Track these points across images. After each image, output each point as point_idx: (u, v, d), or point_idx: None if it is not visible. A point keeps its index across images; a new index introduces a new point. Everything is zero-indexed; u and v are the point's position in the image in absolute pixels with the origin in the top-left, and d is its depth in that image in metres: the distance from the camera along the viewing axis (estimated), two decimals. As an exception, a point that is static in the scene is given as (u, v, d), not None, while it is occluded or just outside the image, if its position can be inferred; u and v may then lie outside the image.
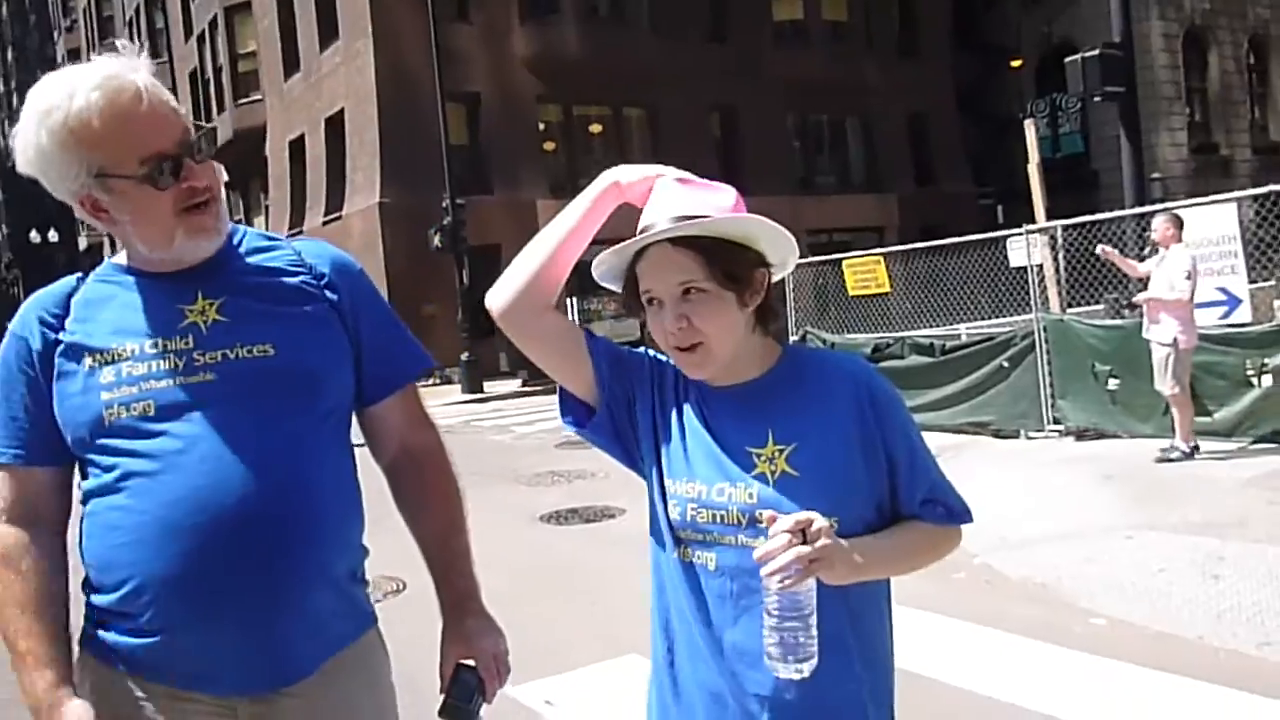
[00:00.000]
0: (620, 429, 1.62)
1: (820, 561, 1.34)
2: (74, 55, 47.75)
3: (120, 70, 1.51)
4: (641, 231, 1.51)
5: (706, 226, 1.47)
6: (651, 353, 1.65)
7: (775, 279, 1.58)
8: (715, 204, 1.50)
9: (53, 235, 40.03)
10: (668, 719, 1.59)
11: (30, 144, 1.52)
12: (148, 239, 1.60)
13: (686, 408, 1.58)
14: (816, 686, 1.42)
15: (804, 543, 1.34)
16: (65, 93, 1.48)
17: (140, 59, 1.55)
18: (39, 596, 1.59)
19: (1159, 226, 7.59)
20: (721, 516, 1.49)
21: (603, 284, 1.61)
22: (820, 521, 1.35)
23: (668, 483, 1.55)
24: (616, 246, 1.52)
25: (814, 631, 1.36)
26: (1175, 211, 7.89)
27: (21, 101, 1.53)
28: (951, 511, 1.56)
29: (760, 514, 1.41)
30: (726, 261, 1.49)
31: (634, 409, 1.61)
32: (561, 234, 1.58)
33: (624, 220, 1.64)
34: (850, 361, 1.61)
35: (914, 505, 1.53)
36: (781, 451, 1.49)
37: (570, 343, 1.62)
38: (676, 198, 1.51)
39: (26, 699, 1.56)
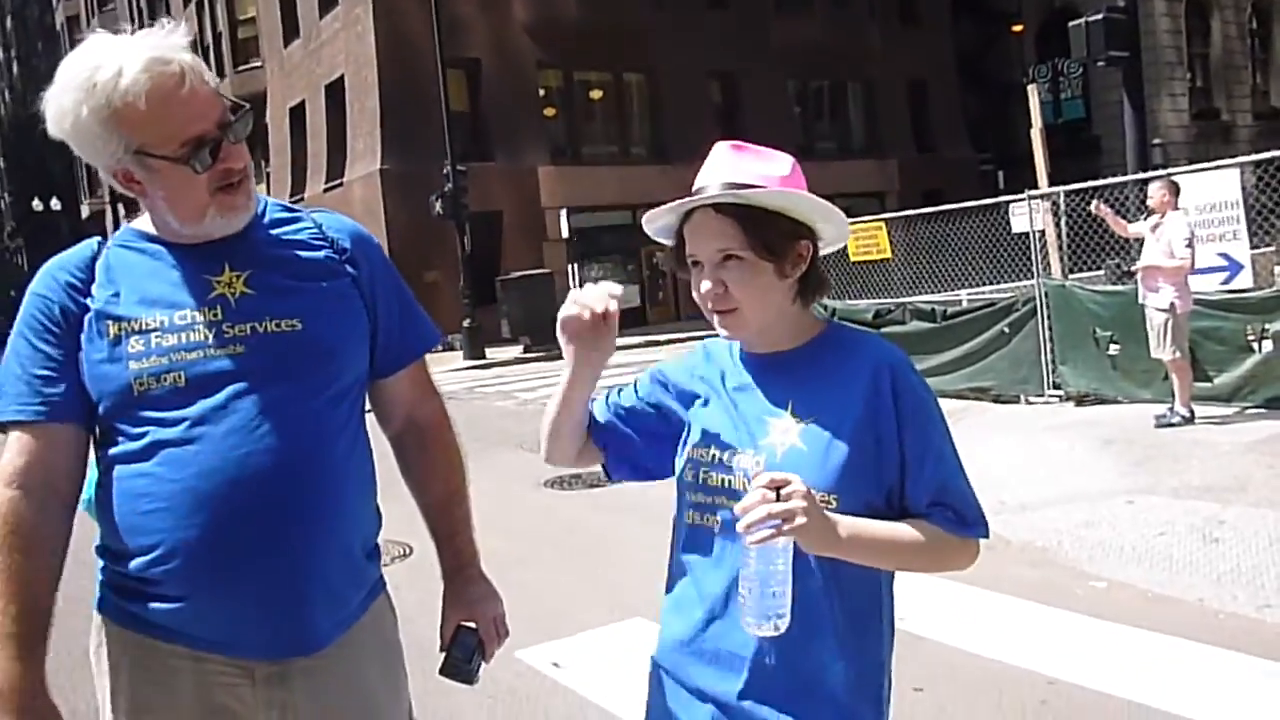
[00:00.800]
0: (641, 461, 1.72)
1: (793, 524, 1.34)
2: (73, 23, 47.34)
3: (166, 51, 1.51)
4: (695, 192, 1.53)
5: (750, 198, 1.49)
6: (667, 366, 1.72)
7: (824, 252, 1.60)
8: (767, 172, 1.51)
9: (55, 203, 39.88)
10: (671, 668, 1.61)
11: (68, 114, 1.51)
12: (181, 215, 1.60)
13: (717, 378, 1.62)
14: (789, 654, 1.46)
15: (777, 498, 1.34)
16: (112, 70, 1.48)
17: (180, 35, 1.54)
18: (37, 575, 1.54)
19: (1155, 192, 7.57)
20: (728, 481, 1.52)
21: (656, 239, 1.64)
22: (797, 484, 1.35)
23: (688, 448, 1.59)
24: (667, 205, 1.55)
25: (787, 591, 1.37)
26: (1173, 178, 7.87)
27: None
28: (963, 519, 1.51)
29: (752, 463, 1.43)
30: (767, 232, 1.50)
31: (664, 421, 1.68)
32: (555, 407, 1.68)
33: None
34: (886, 350, 1.57)
35: (921, 504, 1.50)
36: (797, 424, 1.51)
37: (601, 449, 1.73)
38: (730, 163, 1.53)
39: None
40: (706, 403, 1.61)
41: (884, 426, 1.49)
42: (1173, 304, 7.30)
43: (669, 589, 1.63)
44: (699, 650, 1.55)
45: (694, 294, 1.56)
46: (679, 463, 1.62)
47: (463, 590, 1.84)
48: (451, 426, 1.92)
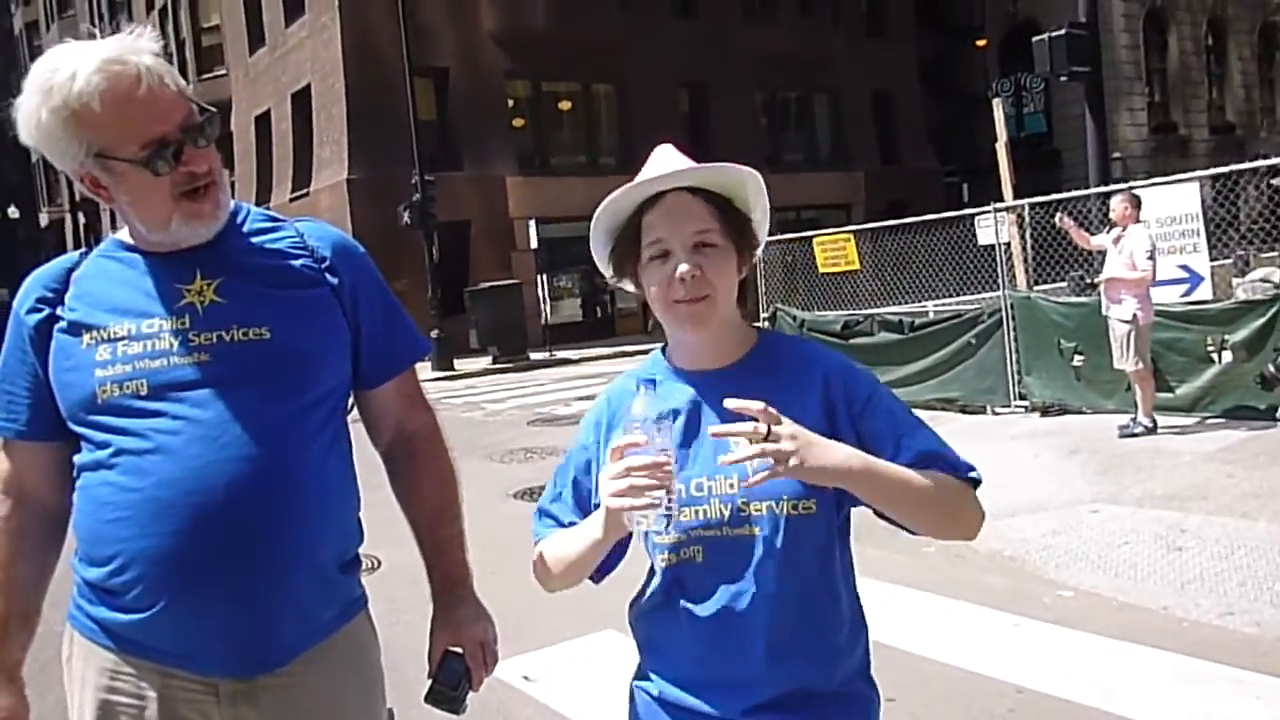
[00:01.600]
0: (614, 555, 1.57)
1: (786, 465, 1.33)
2: (32, 29, 46.69)
3: (123, 52, 1.50)
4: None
5: (725, 172, 1.51)
6: (574, 456, 1.62)
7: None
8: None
9: (13, 211, 39.30)
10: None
11: (32, 119, 1.51)
12: (145, 220, 1.59)
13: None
14: (790, 663, 1.46)
15: (767, 439, 1.33)
16: (67, 73, 1.47)
17: (145, 40, 1.54)
18: (7, 572, 1.62)
19: (1117, 206, 7.68)
20: (704, 511, 1.48)
21: (594, 246, 1.59)
22: (788, 424, 1.33)
23: None
24: (629, 185, 1.51)
25: (673, 494, 1.38)
26: (1134, 191, 7.99)
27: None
28: (954, 465, 1.49)
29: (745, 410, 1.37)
30: (736, 218, 1.53)
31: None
32: (576, 557, 1.55)
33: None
34: (825, 353, 1.59)
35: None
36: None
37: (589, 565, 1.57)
38: (676, 159, 1.53)
39: None
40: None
41: (841, 425, 1.48)
42: (1135, 315, 7.40)
43: (644, 626, 1.57)
44: (702, 681, 1.51)
45: (653, 288, 1.50)
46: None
47: (450, 611, 1.79)
48: (443, 441, 1.87)
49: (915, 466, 1.46)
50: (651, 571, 1.56)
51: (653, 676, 1.57)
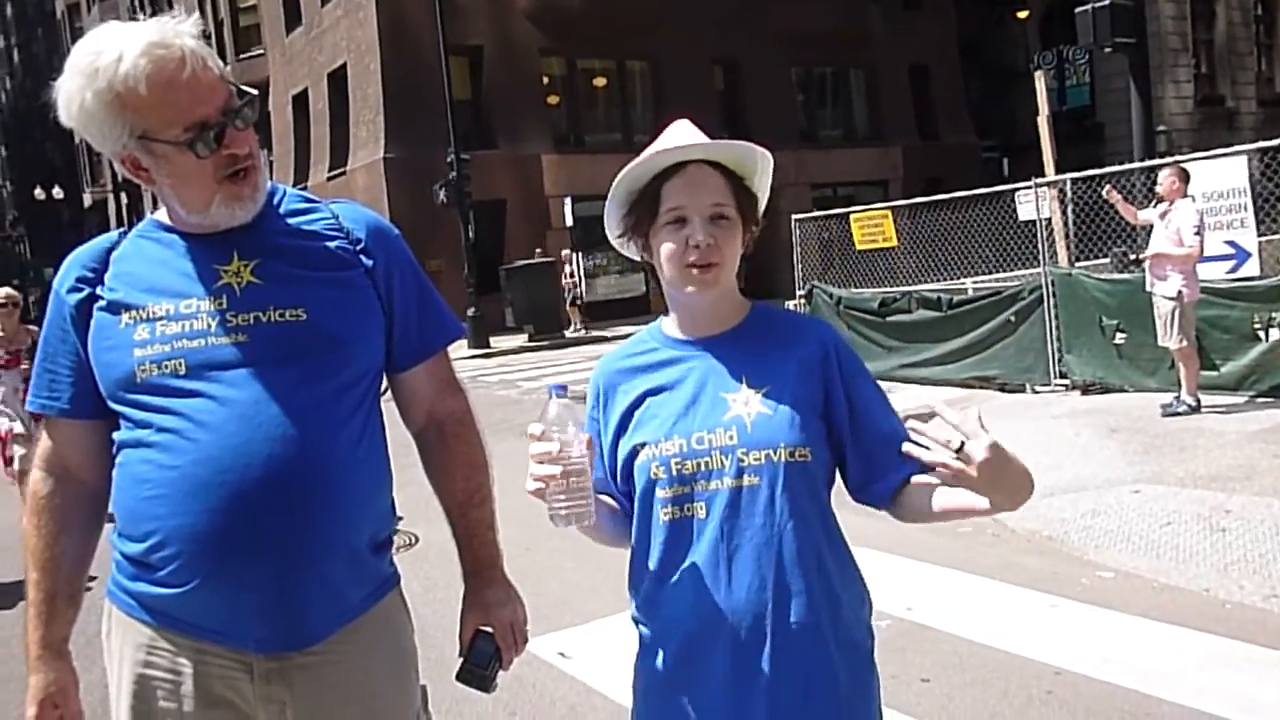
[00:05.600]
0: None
1: (963, 478, 1.40)
2: (74, 11, 47.18)
3: (167, 35, 1.51)
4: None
5: (743, 150, 1.60)
6: (591, 395, 1.71)
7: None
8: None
9: (57, 192, 39.89)
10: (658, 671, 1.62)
11: (74, 101, 1.52)
12: (186, 202, 1.61)
13: (649, 378, 1.64)
14: (783, 609, 1.53)
15: (959, 453, 1.39)
16: (113, 55, 1.48)
17: (188, 23, 1.54)
18: (52, 550, 1.65)
19: (1165, 179, 7.53)
20: (705, 463, 1.55)
21: (610, 208, 1.65)
22: (977, 446, 1.38)
23: (644, 452, 1.59)
24: (654, 151, 1.59)
25: (590, 493, 1.50)
26: (1182, 165, 7.83)
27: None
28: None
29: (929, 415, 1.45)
30: (747, 195, 1.63)
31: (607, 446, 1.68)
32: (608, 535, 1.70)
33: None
34: (821, 325, 1.72)
35: (889, 435, 1.57)
36: (756, 393, 1.56)
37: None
38: (694, 133, 1.62)
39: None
40: (641, 404, 1.63)
41: (833, 385, 1.59)
42: (1180, 292, 7.27)
43: (646, 582, 1.62)
44: (706, 633, 1.55)
45: (667, 250, 1.57)
46: (637, 471, 1.60)
47: (480, 593, 1.81)
48: (475, 425, 1.88)
49: (891, 441, 1.55)
50: (647, 528, 1.61)
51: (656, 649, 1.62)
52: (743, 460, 1.53)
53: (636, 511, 1.62)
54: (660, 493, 1.57)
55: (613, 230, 1.68)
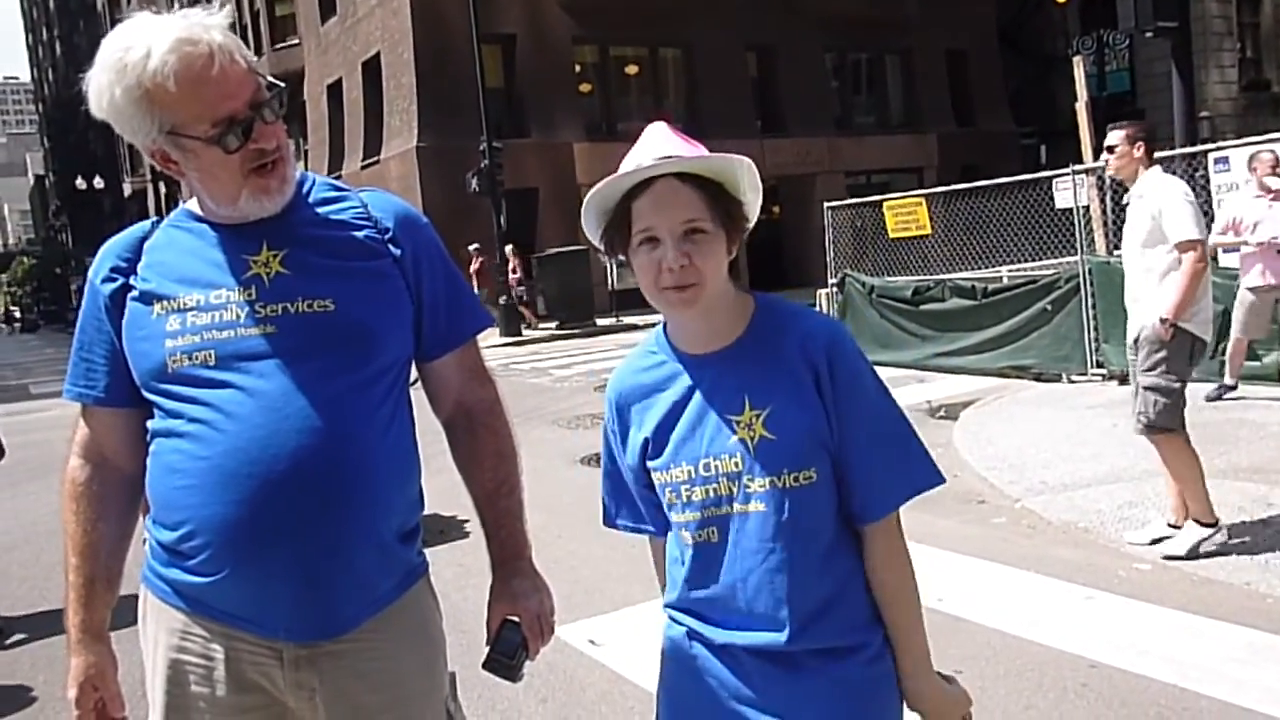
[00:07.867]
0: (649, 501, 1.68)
1: None
2: (114, 3, 47.73)
3: (195, 31, 1.51)
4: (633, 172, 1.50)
5: (713, 161, 1.49)
6: (606, 410, 1.69)
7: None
8: (699, 152, 1.52)
9: (98, 181, 40.44)
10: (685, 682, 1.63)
11: (104, 96, 1.53)
12: (215, 195, 1.62)
13: (661, 399, 1.59)
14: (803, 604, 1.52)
15: None
16: (141, 51, 1.49)
17: (217, 16, 1.55)
18: (90, 536, 1.67)
19: (1264, 165, 7.51)
20: (714, 490, 1.53)
21: (585, 226, 1.57)
22: None
23: (657, 477, 1.59)
24: (616, 175, 1.50)
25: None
26: (1250, 150, 7.83)
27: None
28: (908, 475, 1.56)
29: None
30: (726, 203, 1.52)
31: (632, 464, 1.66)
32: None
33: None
34: (820, 324, 1.59)
35: (867, 451, 1.53)
36: (758, 416, 1.52)
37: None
38: (666, 140, 1.52)
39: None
40: (650, 426, 1.60)
41: (828, 404, 1.52)
42: (1273, 284, 7.37)
43: (678, 589, 1.62)
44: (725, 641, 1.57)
45: (641, 274, 1.50)
46: (658, 491, 1.61)
47: (507, 583, 1.81)
48: (504, 415, 1.88)
49: (873, 482, 1.53)
50: (675, 542, 1.63)
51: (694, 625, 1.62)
52: (749, 487, 1.51)
53: (670, 524, 1.63)
54: (675, 517, 1.58)
55: (597, 246, 1.61)
